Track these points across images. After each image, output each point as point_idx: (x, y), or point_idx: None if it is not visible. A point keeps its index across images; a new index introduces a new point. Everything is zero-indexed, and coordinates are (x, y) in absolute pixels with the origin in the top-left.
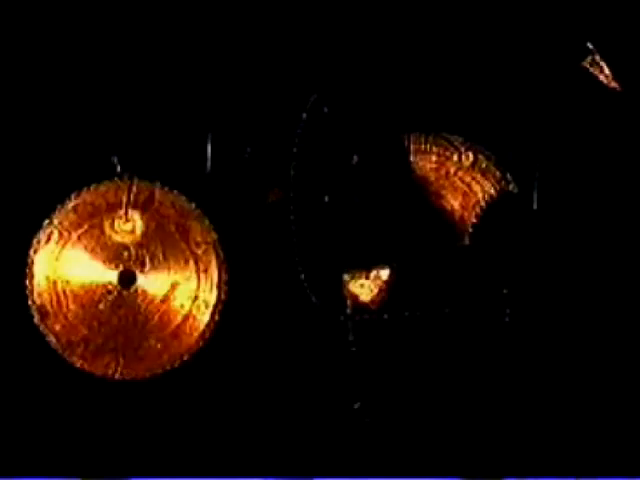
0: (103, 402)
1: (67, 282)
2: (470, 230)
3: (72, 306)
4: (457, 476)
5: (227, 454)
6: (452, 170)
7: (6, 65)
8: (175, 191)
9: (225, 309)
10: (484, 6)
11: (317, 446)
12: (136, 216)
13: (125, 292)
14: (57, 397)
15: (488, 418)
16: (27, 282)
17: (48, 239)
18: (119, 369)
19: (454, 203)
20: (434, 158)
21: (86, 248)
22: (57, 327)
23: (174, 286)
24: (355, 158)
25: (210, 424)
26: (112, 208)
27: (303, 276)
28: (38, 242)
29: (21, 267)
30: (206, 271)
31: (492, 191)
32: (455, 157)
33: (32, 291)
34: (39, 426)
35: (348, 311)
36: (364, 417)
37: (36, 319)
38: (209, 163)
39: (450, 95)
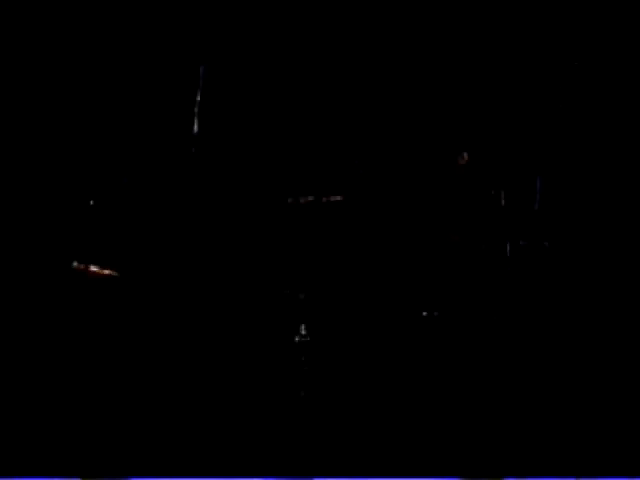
0: (102, 402)
1: None
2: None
3: None
4: (457, 476)
5: (227, 454)
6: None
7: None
8: None
9: None
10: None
11: (317, 446)
12: None
13: None
14: (57, 397)
15: (488, 418)
16: None
17: None
18: None
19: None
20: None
21: None
22: None
23: None
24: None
25: (210, 424)
26: None
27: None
28: None
29: None
30: None
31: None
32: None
33: None
34: (39, 426)
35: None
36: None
37: None
38: None
39: (452, 98)
